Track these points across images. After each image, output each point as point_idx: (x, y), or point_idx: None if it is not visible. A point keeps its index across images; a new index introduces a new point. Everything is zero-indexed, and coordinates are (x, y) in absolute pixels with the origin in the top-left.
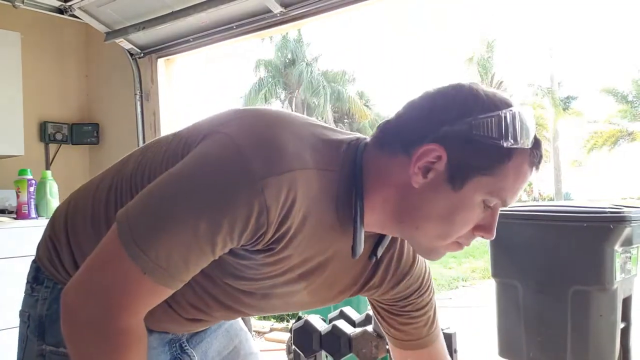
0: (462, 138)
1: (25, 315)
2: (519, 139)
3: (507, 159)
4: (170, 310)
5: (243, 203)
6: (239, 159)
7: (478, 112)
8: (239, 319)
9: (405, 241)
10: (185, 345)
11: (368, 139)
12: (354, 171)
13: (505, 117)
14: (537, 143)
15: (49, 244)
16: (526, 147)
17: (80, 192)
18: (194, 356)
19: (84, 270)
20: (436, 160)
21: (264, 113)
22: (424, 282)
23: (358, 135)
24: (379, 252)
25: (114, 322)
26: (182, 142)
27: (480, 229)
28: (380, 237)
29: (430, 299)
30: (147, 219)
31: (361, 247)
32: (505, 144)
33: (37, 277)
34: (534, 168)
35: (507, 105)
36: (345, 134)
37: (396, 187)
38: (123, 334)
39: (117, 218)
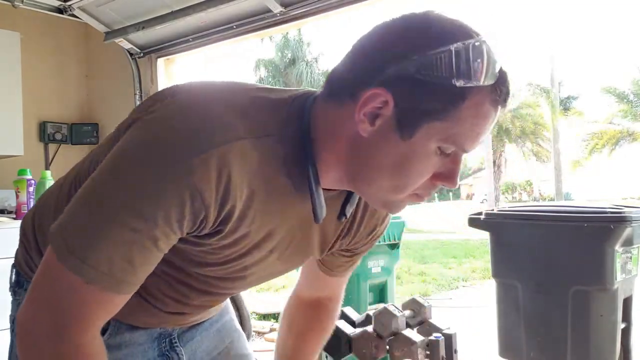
0: (408, 79)
1: (11, 319)
2: (473, 75)
3: (461, 101)
4: (148, 305)
5: (172, 192)
6: (159, 147)
7: (427, 47)
8: (233, 320)
9: None
10: (175, 342)
11: (318, 92)
12: (300, 130)
13: (458, 52)
14: (501, 78)
15: (22, 247)
16: (485, 84)
17: (47, 193)
18: (182, 355)
19: (31, 288)
20: (382, 105)
21: (187, 90)
22: (384, 227)
23: (307, 89)
24: (348, 211)
25: (66, 340)
26: (117, 129)
27: (440, 177)
28: (349, 195)
29: (370, 247)
30: (79, 226)
31: (322, 211)
32: (457, 83)
33: (18, 280)
34: (498, 107)
35: (466, 36)
36: (291, 91)
37: (347, 140)
38: (76, 353)
39: (50, 231)
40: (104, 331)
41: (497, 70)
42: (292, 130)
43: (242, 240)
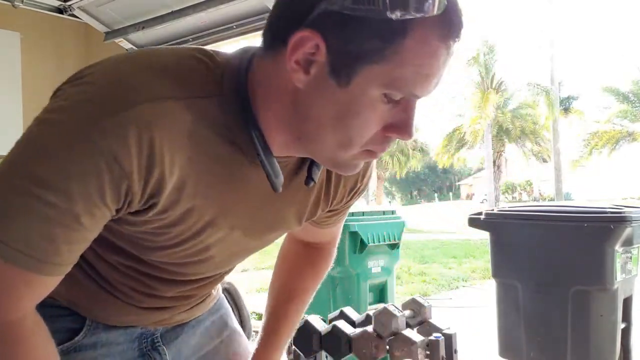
0: (338, 17)
1: None
2: (412, 5)
3: (400, 37)
4: (117, 301)
5: (85, 161)
6: (67, 113)
7: None
8: (225, 317)
9: None
10: (158, 341)
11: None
12: (237, 91)
13: None
14: (449, 7)
15: None
16: (427, 14)
17: None
18: (165, 354)
19: None
20: (315, 50)
21: (119, 55)
22: (367, 181)
23: (247, 47)
24: (316, 175)
25: None
26: None
27: (392, 128)
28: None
29: (355, 201)
30: None
31: (279, 180)
32: (392, 16)
33: None
34: (449, 42)
35: None
36: (234, 51)
37: (284, 95)
38: (3, 332)
39: None
40: (78, 331)
41: None
42: (231, 92)
43: (188, 217)
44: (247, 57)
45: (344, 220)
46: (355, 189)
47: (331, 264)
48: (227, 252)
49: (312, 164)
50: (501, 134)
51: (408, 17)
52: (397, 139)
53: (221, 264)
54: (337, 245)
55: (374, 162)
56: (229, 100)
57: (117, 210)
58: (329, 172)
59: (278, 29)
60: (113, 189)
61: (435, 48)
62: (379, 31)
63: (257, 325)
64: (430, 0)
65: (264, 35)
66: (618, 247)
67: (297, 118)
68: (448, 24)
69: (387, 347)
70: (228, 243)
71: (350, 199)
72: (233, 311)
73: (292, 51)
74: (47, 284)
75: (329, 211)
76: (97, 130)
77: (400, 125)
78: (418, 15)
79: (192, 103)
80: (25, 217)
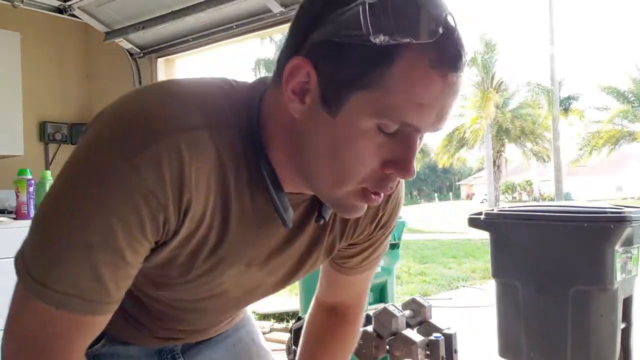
0: (327, 44)
1: None
2: (396, 29)
3: (387, 62)
4: (137, 329)
5: (121, 197)
6: (104, 147)
7: (343, 2)
8: (252, 333)
9: None
10: (179, 356)
11: None
12: (249, 123)
13: (373, 3)
14: (445, 34)
15: None
16: (415, 40)
17: None
18: None
19: (7, 319)
20: (308, 79)
21: (142, 88)
22: (391, 212)
23: (263, 77)
24: (326, 213)
25: None
26: None
27: (390, 164)
28: None
29: (386, 237)
30: (38, 250)
31: (288, 214)
32: (376, 41)
33: None
34: (444, 70)
35: None
36: (257, 80)
37: (286, 126)
38: None
39: (15, 259)
40: (97, 340)
41: (435, 23)
42: (248, 124)
43: (203, 250)
44: (262, 88)
45: (371, 278)
46: (377, 219)
47: (358, 336)
48: (243, 289)
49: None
50: (501, 134)
51: (393, 42)
52: (397, 176)
53: (238, 300)
54: (363, 313)
55: (401, 193)
56: (247, 133)
57: (156, 242)
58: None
59: (280, 59)
60: (152, 222)
61: (425, 74)
62: (365, 57)
63: (257, 325)
64: (417, 24)
65: (276, 63)
66: (618, 247)
67: (296, 151)
68: (441, 52)
69: (387, 347)
70: (244, 279)
71: (374, 231)
72: None
73: (287, 80)
74: (98, 323)
75: (351, 245)
76: (131, 165)
77: (398, 161)
78: (403, 41)
79: (218, 134)
80: (71, 261)
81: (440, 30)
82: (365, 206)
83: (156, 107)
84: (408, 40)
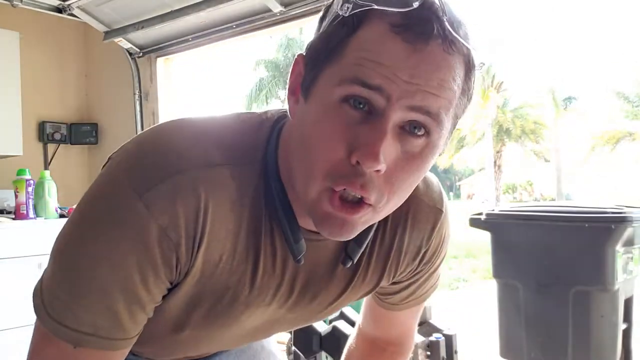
0: (315, 37)
1: None
2: None
3: (351, 32)
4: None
5: (134, 235)
6: (119, 184)
7: None
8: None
9: (408, 217)
10: None
11: None
12: (264, 158)
13: None
14: (422, 6)
15: None
16: (377, 5)
17: None
18: None
19: (28, 355)
20: (301, 75)
21: (161, 124)
22: (436, 246)
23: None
24: (354, 254)
25: None
26: None
27: (356, 151)
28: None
29: (431, 273)
30: (55, 288)
31: (299, 247)
32: (342, 11)
33: None
34: (413, 36)
35: None
36: (275, 110)
37: (292, 142)
38: None
39: (33, 293)
40: None
41: None
42: (262, 156)
43: (217, 291)
44: (283, 117)
45: (418, 316)
46: (420, 255)
47: None
48: (260, 321)
49: (353, 240)
50: (502, 133)
51: (357, 10)
52: (363, 164)
53: (254, 335)
54: (408, 354)
55: (446, 228)
56: (264, 168)
57: (171, 282)
58: (380, 241)
59: None
60: (165, 262)
61: (384, 34)
62: (334, 32)
63: None
64: None
65: None
66: (619, 248)
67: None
68: (407, 18)
69: None
70: (262, 316)
71: (417, 267)
72: None
73: (289, 82)
74: (119, 356)
75: (394, 283)
76: (144, 203)
77: (363, 145)
78: (365, 7)
79: (236, 170)
80: (87, 303)
81: (414, 4)
82: (346, 222)
83: (173, 144)
84: (369, 5)
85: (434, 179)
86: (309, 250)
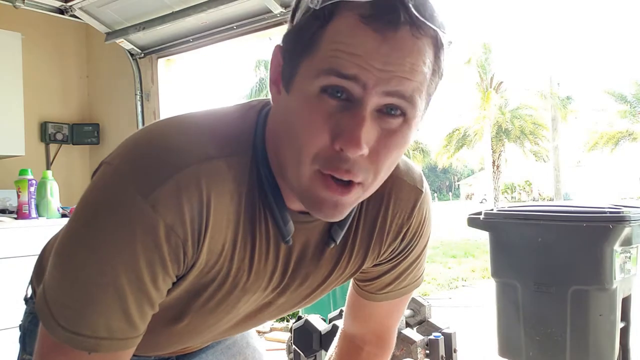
0: (290, 28)
1: (20, 327)
2: None
3: (324, 24)
4: (144, 349)
5: (142, 234)
6: (121, 183)
7: None
8: (246, 336)
9: (390, 198)
10: None
11: None
12: (253, 145)
13: None
14: None
15: (38, 263)
16: None
17: None
18: None
19: None
20: (280, 65)
21: (152, 124)
22: (416, 224)
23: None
24: (337, 235)
25: None
26: None
27: (338, 138)
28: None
29: (413, 260)
30: (64, 296)
31: (288, 228)
32: (311, 5)
33: (32, 295)
34: (382, 25)
35: None
36: (263, 99)
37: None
38: None
39: (37, 303)
40: None
41: None
42: (257, 147)
43: (217, 279)
44: (266, 107)
45: (398, 318)
46: (402, 234)
47: None
48: (253, 307)
49: (335, 223)
50: (501, 134)
51: (327, 3)
52: (352, 155)
53: (247, 320)
54: (390, 352)
55: (425, 208)
56: (255, 155)
57: (177, 276)
58: (359, 221)
59: None
60: (173, 259)
61: (354, 26)
62: (308, 24)
63: None
64: None
65: None
66: (617, 247)
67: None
68: (374, 8)
69: None
70: (255, 302)
71: (400, 246)
72: None
73: (270, 72)
74: (127, 355)
75: (376, 265)
76: (150, 202)
77: (344, 132)
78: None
79: (232, 161)
80: (102, 306)
81: None
82: (339, 203)
83: (171, 141)
84: None
85: (415, 165)
86: (299, 232)
